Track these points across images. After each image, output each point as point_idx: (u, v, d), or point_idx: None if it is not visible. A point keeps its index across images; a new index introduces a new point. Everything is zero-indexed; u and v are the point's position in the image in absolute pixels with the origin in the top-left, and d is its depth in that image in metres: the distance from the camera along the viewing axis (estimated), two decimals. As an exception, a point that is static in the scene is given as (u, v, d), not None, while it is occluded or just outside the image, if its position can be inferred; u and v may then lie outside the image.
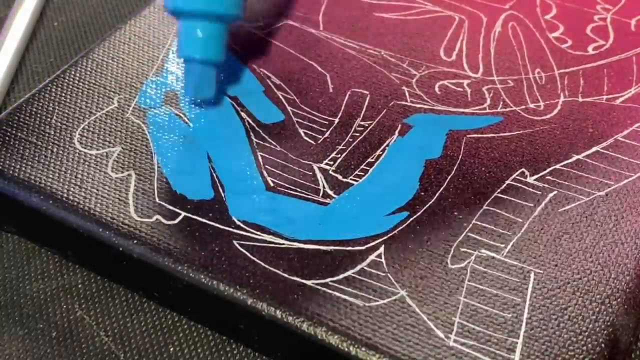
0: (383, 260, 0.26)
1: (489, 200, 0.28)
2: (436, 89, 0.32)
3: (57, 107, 0.31)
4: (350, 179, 0.29)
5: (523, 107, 0.31)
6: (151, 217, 0.27)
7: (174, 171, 0.29)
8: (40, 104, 0.31)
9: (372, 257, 0.26)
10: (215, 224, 0.27)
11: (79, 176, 0.28)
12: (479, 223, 0.27)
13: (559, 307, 0.25)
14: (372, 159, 0.29)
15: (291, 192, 0.28)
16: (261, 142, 0.30)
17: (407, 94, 0.32)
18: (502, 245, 0.26)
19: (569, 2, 0.36)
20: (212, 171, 0.29)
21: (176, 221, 0.27)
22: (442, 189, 0.28)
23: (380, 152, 0.30)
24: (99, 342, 0.27)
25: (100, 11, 0.40)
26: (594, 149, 0.30)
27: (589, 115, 0.31)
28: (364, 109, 0.31)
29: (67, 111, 0.31)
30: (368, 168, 0.29)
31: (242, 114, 0.31)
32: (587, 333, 0.24)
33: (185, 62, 0.30)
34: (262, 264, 0.26)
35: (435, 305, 0.25)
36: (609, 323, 0.25)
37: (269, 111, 0.31)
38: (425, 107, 0.31)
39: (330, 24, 0.35)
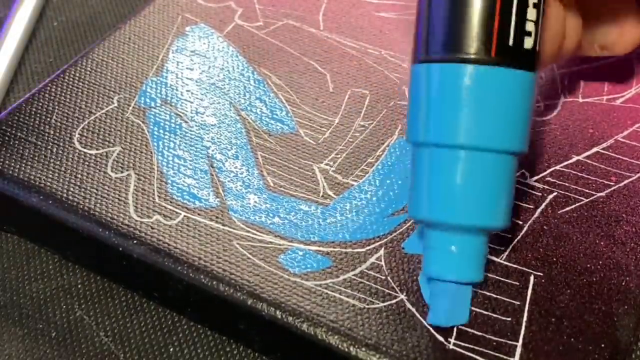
0: (383, 262, 0.26)
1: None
2: (436, 89, 0.32)
3: (57, 107, 0.31)
4: (351, 180, 0.29)
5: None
6: (151, 217, 0.27)
7: (174, 171, 0.29)
8: (40, 104, 0.31)
9: (372, 259, 0.26)
10: (215, 224, 0.27)
11: (79, 176, 0.28)
12: (478, 225, 0.27)
13: (559, 309, 0.25)
14: (372, 159, 0.29)
15: (291, 192, 0.28)
16: (261, 142, 0.30)
17: (407, 93, 0.32)
18: (502, 249, 0.26)
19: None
20: (212, 171, 0.29)
21: (176, 221, 0.27)
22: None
23: (381, 153, 0.30)
24: (99, 342, 0.27)
25: (100, 11, 0.40)
26: (594, 149, 0.30)
27: (589, 115, 0.31)
28: (364, 109, 0.31)
29: (67, 111, 0.31)
30: (368, 169, 0.29)
31: (242, 113, 0.31)
32: (587, 334, 0.24)
33: (431, 282, 0.24)
34: (262, 264, 0.26)
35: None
36: (609, 323, 0.25)
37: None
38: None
39: (330, 23, 0.35)
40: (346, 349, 0.24)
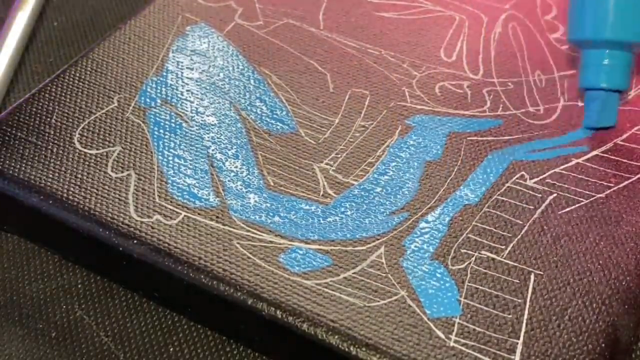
0: (383, 260, 0.26)
1: (489, 202, 0.28)
2: (436, 90, 0.32)
3: (57, 107, 0.31)
4: (351, 179, 0.29)
5: (523, 110, 0.31)
6: (151, 217, 0.27)
7: (174, 171, 0.29)
8: (40, 104, 0.31)
9: (372, 257, 0.26)
10: (215, 224, 0.27)
11: (79, 176, 0.28)
12: (479, 225, 0.27)
13: (559, 307, 0.25)
14: (372, 159, 0.29)
15: (291, 191, 0.28)
16: (261, 142, 0.30)
17: (407, 94, 0.32)
18: (503, 247, 0.26)
19: None
20: (213, 171, 0.29)
21: (176, 221, 0.27)
22: (442, 190, 0.28)
23: (381, 153, 0.30)
24: (99, 342, 0.27)
25: (100, 11, 0.40)
26: (594, 152, 0.30)
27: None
28: (364, 109, 0.31)
29: (67, 111, 0.31)
30: (368, 168, 0.29)
31: (243, 113, 0.31)
32: (587, 333, 0.24)
33: (587, 92, 0.31)
34: (262, 263, 0.26)
35: (435, 305, 0.25)
36: (609, 323, 0.25)
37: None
38: (426, 108, 0.31)
39: (330, 23, 0.35)
40: (346, 349, 0.24)
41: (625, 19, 0.29)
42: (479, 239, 0.27)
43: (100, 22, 0.39)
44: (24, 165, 0.29)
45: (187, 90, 0.32)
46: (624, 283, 0.26)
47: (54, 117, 0.30)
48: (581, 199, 0.28)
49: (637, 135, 0.30)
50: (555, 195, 0.28)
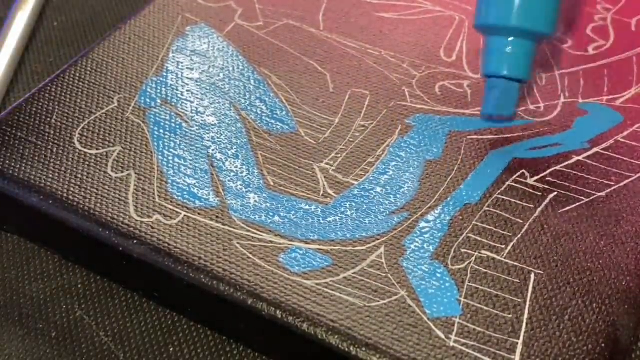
0: (384, 260, 0.26)
1: (489, 202, 0.28)
2: (436, 89, 0.32)
3: (57, 107, 0.31)
4: (351, 179, 0.29)
5: (523, 108, 0.31)
6: (151, 217, 0.27)
7: (174, 171, 0.29)
8: (40, 104, 0.31)
9: (372, 257, 0.26)
10: (215, 224, 0.27)
11: (79, 176, 0.28)
12: (479, 224, 0.27)
13: (560, 307, 0.25)
14: (372, 159, 0.29)
15: (291, 191, 0.28)
16: (261, 142, 0.30)
17: (407, 94, 0.32)
18: (503, 246, 0.26)
19: (569, 2, 0.36)
20: (213, 171, 0.29)
21: (176, 221, 0.27)
22: (442, 189, 0.28)
23: (381, 152, 0.30)
24: (99, 342, 0.27)
25: (100, 11, 0.40)
26: (594, 150, 0.30)
27: (589, 116, 0.31)
28: (364, 109, 0.31)
29: (67, 111, 0.31)
30: (368, 168, 0.29)
31: (243, 113, 0.31)
32: (587, 333, 0.24)
33: (488, 79, 0.30)
34: (262, 263, 0.26)
35: (435, 305, 0.25)
36: (609, 323, 0.25)
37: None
38: (426, 107, 0.31)
39: (330, 24, 0.35)
40: (346, 349, 0.24)
41: (531, 7, 0.29)
42: (479, 239, 0.27)
43: (100, 22, 0.39)
44: (24, 165, 0.29)
45: (187, 91, 0.32)
46: (624, 283, 0.26)
47: (54, 117, 0.30)
48: (582, 198, 0.28)
49: (638, 132, 0.30)
50: (555, 193, 0.28)
